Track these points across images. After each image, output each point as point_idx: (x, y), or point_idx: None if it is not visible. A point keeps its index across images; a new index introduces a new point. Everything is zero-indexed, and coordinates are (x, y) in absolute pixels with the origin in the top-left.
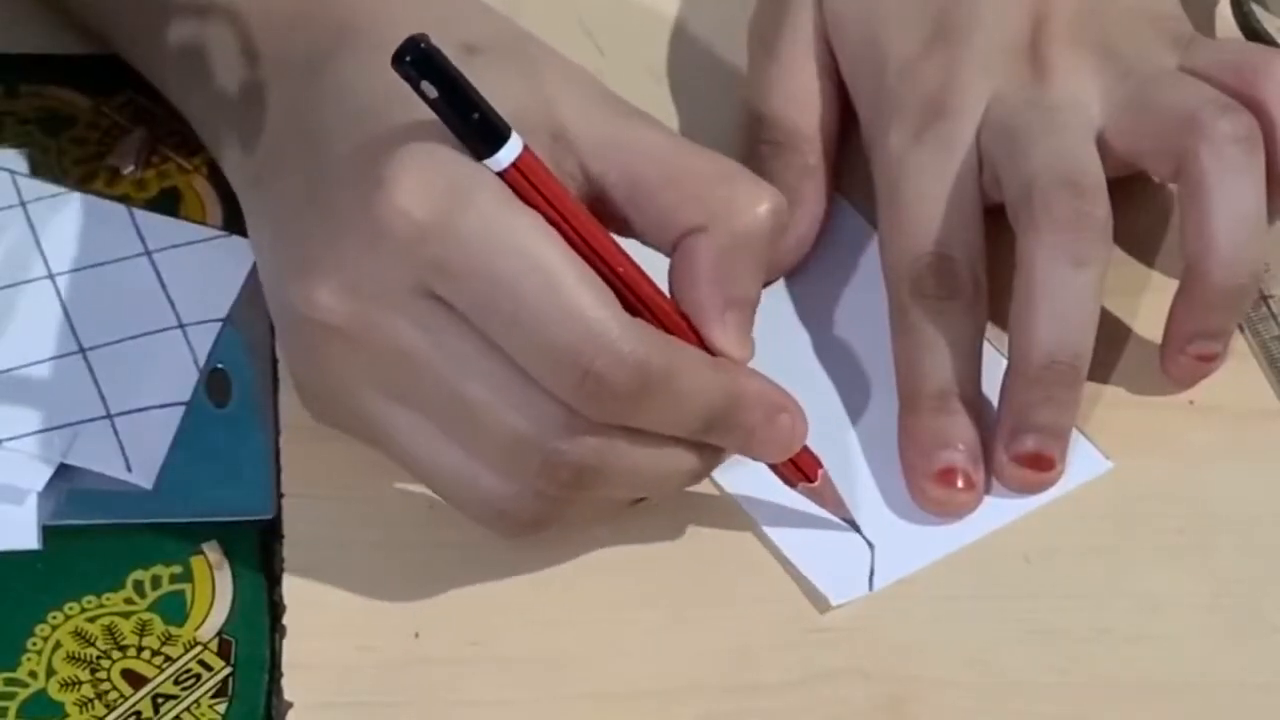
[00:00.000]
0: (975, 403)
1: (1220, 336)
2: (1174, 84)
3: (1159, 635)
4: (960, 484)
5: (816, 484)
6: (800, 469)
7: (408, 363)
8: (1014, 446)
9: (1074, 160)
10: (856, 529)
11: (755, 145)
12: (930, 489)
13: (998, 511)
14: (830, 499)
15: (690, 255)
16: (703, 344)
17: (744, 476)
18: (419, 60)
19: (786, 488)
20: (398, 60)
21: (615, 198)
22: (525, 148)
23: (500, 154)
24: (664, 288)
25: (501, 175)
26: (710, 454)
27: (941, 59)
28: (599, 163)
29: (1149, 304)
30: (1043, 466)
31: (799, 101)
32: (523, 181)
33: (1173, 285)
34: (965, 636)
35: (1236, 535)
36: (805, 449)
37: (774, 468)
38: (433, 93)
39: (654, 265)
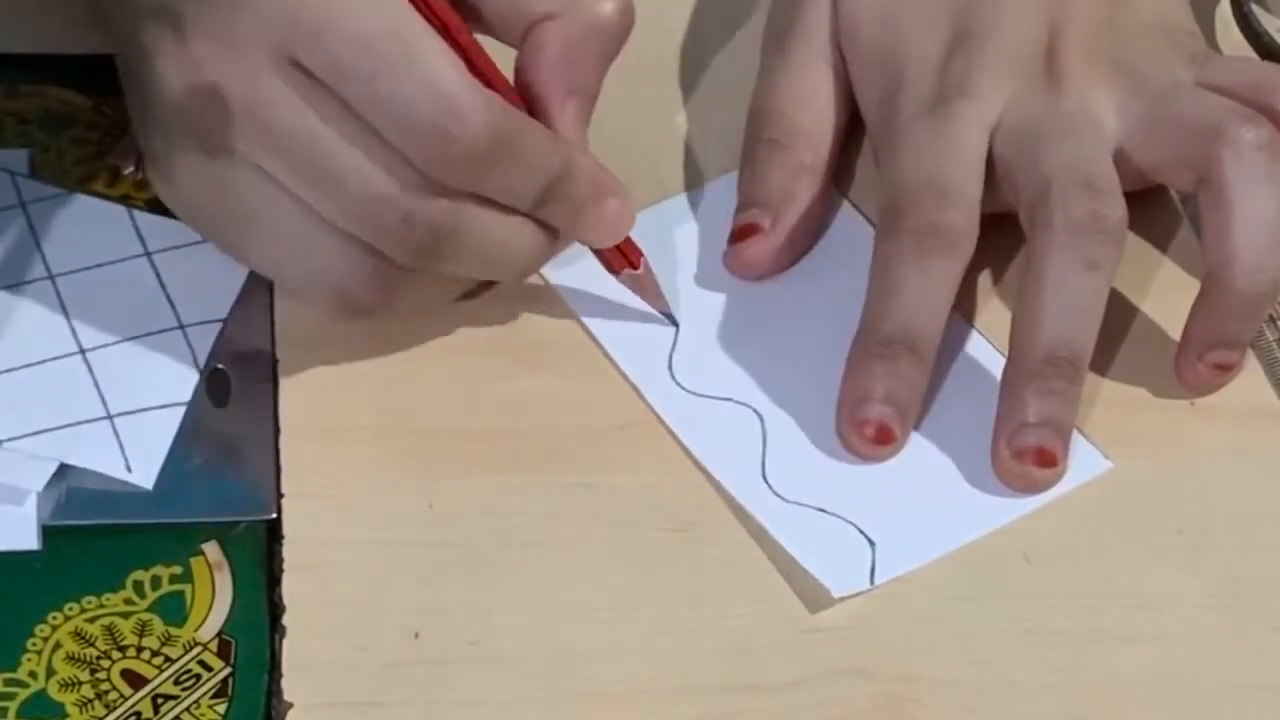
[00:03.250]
0: (924, 361)
1: (1238, 345)
2: (1192, 97)
3: (1158, 635)
4: (875, 434)
5: (640, 271)
6: (625, 256)
7: (266, 121)
8: (1016, 441)
9: (1091, 163)
10: (674, 323)
11: (755, 142)
12: (850, 433)
13: (998, 511)
14: (650, 289)
15: (539, 41)
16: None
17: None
18: None
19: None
20: None
21: None
22: None
23: None
24: None
25: None
26: (549, 234)
27: (959, 62)
28: None
29: (1149, 305)
30: (1045, 462)
31: (803, 101)
32: None
33: (1171, 287)
34: (965, 636)
35: (1236, 535)
36: (630, 241)
37: (601, 255)
38: None
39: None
